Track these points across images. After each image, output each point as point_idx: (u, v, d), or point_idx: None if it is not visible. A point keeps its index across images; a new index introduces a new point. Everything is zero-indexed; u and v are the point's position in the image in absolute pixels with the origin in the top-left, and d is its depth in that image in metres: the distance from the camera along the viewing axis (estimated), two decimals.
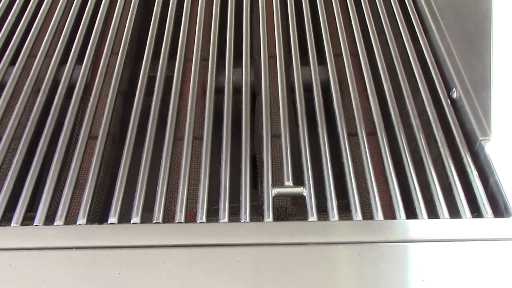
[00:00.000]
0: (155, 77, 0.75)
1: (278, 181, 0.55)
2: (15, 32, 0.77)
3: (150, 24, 0.79)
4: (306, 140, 0.59)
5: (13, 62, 0.72)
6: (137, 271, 0.46)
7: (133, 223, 0.51)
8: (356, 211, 0.51)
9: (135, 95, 0.69)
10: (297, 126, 0.64)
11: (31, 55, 0.74)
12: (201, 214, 0.52)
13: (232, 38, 0.77)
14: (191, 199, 0.55)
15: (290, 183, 0.54)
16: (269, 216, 0.51)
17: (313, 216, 0.50)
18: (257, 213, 0.53)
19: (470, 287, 0.45)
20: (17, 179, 0.58)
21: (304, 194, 0.53)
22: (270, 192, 0.53)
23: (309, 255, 0.46)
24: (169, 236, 0.49)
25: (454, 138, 0.57)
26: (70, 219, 0.54)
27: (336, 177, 0.55)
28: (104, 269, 0.46)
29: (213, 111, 0.66)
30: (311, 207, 0.51)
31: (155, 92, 0.68)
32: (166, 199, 0.54)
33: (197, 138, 0.65)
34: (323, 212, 0.52)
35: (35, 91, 0.70)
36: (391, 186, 0.53)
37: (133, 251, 0.48)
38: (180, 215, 0.51)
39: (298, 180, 0.55)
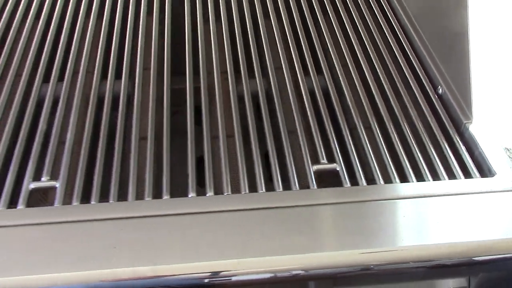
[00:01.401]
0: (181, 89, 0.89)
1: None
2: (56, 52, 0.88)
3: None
4: (332, 131, 0.73)
5: (61, 78, 0.83)
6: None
7: (191, 196, 0.64)
8: (379, 179, 0.66)
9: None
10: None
11: (75, 72, 0.85)
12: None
13: (244, 54, 0.90)
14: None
15: (325, 161, 0.68)
16: (313, 185, 0.64)
17: (347, 184, 0.65)
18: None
19: (465, 229, 0.59)
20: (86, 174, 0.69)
21: (337, 169, 0.67)
22: (311, 168, 0.67)
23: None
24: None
25: (443, 123, 0.73)
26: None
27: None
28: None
29: (239, 115, 0.79)
30: (344, 177, 0.65)
31: (188, 101, 0.81)
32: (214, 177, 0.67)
33: (230, 136, 0.78)
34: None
35: (84, 103, 0.80)
36: (402, 162, 0.68)
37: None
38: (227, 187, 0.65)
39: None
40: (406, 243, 0.57)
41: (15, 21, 0.95)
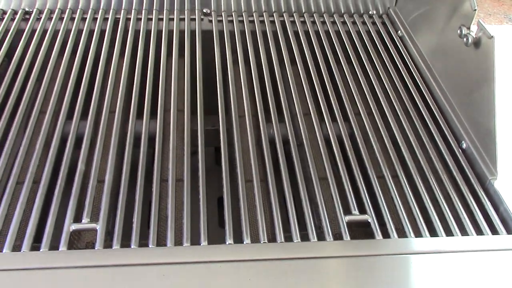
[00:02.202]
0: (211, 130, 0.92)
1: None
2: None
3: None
4: (361, 180, 0.76)
5: (97, 117, 0.86)
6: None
7: (228, 244, 0.66)
8: (410, 232, 0.68)
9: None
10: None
11: (111, 111, 0.88)
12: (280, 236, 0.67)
13: (273, 99, 0.94)
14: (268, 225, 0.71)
15: (357, 212, 0.71)
16: (347, 236, 0.67)
17: (378, 236, 0.67)
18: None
19: (492, 282, 0.62)
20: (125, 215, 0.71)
21: (369, 220, 0.69)
22: (344, 218, 0.69)
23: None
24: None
25: (468, 178, 0.76)
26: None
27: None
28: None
29: (267, 157, 0.82)
30: (376, 229, 0.68)
31: (222, 142, 0.84)
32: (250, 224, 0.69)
33: (262, 180, 0.80)
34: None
35: (121, 142, 0.83)
36: (430, 215, 0.71)
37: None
38: (263, 235, 0.67)
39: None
40: None
41: (50, 60, 0.98)
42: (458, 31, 0.86)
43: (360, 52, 1.06)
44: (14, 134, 0.82)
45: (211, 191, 0.94)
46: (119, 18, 1.11)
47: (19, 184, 0.75)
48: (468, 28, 0.84)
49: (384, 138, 0.86)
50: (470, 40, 0.81)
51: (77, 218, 0.70)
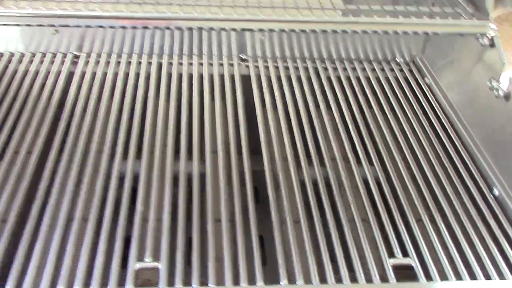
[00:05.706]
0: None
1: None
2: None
3: None
4: (401, 223, 0.81)
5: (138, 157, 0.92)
6: None
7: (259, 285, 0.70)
8: (451, 275, 0.73)
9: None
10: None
11: (162, 151, 0.94)
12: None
13: (313, 143, 0.99)
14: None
15: (400, 255, 0.76)
16: (393, 279, 0.72)
17: (422, 279, 0.72)
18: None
19: None
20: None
21: (412, 264, 0.74)
22: (388, 261, 0.74)
23: None
24: None
25: (502, 224, 0.82)
26: None
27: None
28: None
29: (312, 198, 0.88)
30: (419, 272, 0.73)
31: (268, 183, 0.89)
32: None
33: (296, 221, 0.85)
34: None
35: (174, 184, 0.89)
36: (468, 258, 0.76)
37: None
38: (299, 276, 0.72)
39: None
40: None
41: (102, 101, 1.05)
42: (488, 83, 0.93)
43: (390, 98, 1.12)
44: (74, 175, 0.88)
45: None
46: (162, 62, 1.18)
47: (84, 221, 0.80)
48: (497, 81, 0.91)
49: (420, 182, 0.91)
50: (500, 93, 0.87)
51: (140, 258, 0.75)
